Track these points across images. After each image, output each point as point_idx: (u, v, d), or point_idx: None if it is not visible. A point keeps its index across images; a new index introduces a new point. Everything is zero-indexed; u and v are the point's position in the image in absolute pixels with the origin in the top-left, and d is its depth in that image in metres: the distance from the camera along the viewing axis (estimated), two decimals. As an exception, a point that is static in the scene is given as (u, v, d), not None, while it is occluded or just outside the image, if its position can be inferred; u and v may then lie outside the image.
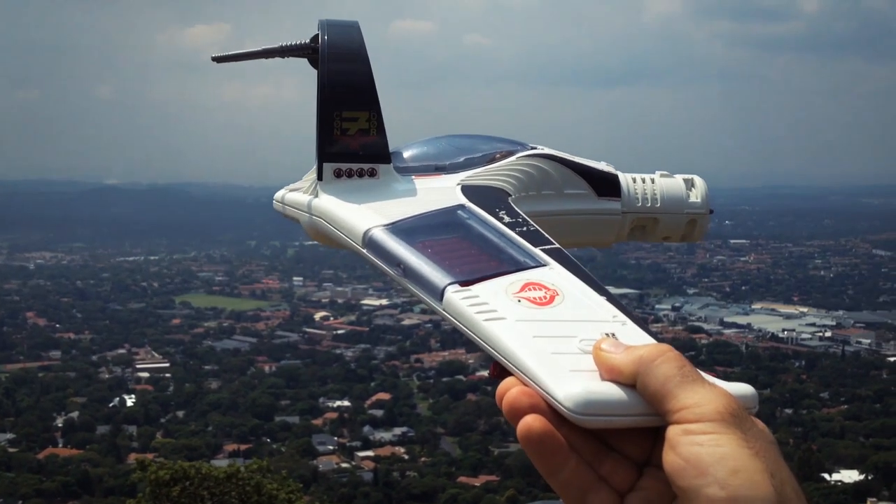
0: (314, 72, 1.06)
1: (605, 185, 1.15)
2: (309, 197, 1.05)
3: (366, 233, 0.90)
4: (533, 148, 1.13)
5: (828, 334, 59.20)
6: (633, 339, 0.72)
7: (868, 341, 56.89)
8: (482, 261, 0.82)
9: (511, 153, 1.10)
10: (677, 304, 68.17)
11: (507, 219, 0.91)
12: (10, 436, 39.00)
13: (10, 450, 36.74)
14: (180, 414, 43.34)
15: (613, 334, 0.71)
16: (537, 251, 0.84)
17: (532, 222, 0.91)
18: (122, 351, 55.20)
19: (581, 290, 0.78)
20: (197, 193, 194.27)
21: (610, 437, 0.68)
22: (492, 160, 1.08)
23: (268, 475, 11.68)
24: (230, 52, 1.16)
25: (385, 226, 0.90)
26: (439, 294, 0.78)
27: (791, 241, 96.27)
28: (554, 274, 0.80)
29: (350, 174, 1.03)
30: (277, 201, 1.15)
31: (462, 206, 0.95)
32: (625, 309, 0.77)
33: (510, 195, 1.03)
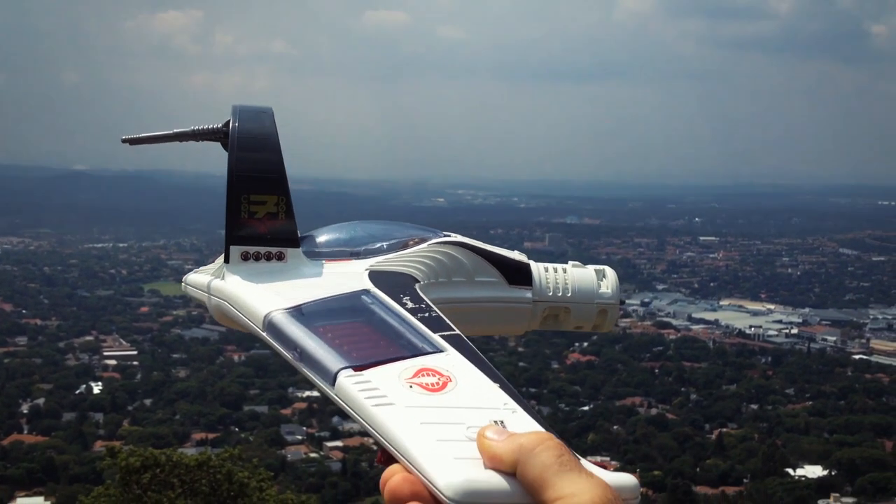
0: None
1: (517, 273, 1.15)
2: (214, 279, 1.05)
3: (266, 316, 0.89)
4: (447, 236, 1.13)
5: (794, 331, 59.92)
6: (522, 427, 0.70)
7: (833, 339, 57.62)
8: (379, 346, 0.82)
9: (424, 240, 1.10)
10: (646, 300, 68.63)
11: (410, 304, 0.91)
12: (-26, 422, 38.57)
13: (-26, 436, 36.34)
14: (148, 402, 43.02)
15: (502, 422, 0.70)
16: (436, 337, 0.84)
17: (435, 308, 0.91)
18: (89, 338, 54.66)
19: (474, 377, 0.78)
20: (166, 181, 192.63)
21: None
22: (404, 246, 1.08)
23: (239, 463, 11.64)
24: (142, 135, 1.15)
25: (286, 309, 0.89)
26: (332, 378, 0.78)
27: (759, 239, 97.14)
28: (449, 360, 0.80)
29: (257, 257, 1.02)
30: (185, 283, 1.14)
31: (366, 292, 0.95)
32: (517, 396, 0.76)
33: (418, 281, 1.03)
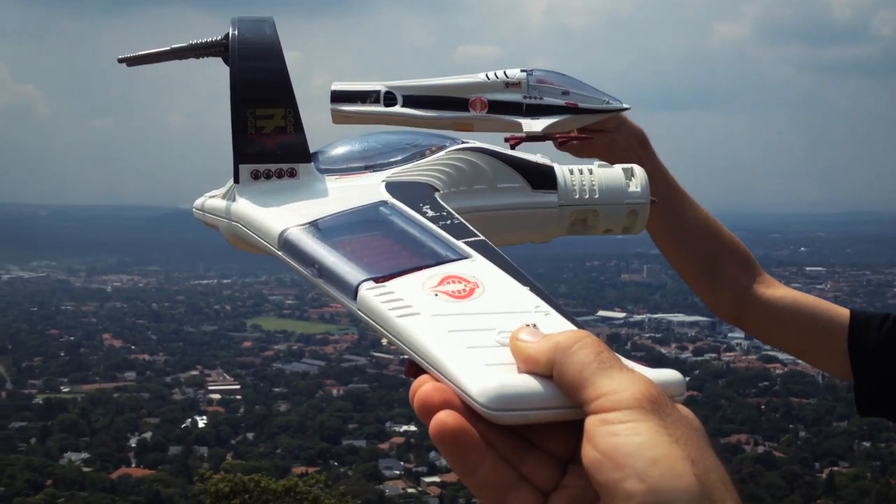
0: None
1: (541, 177, 1.10)
2: (226, 201, 1.00)
3: (281, 234, 0.85)
4: (465, 143, 1.08)
5: (908, 365, 57.46)
6: (557, 329, 0.65)
7: (951, 373, 55.08)
8: (401, 256, 0.78)
9: (442, 148, 1.05)
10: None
11: (430, 213, 0.87)
12: (84, 455, 39.80)
13: (85, 469, 37.46)
14: (250, 436, 43.75)
15: (535, 325, 0.66)
16: (460, 244, 0.80)
17: (457, 215, 0.87)
18: (194, 372, 56.00)
19: (503, 282, 0.74)
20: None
21: (532, 434, 0.62)
22: (422, 156, 1.03)
23: (325, 490, 11.67)
24: (139, 54, 1.11)
25: (301, 226, 0.85)
26: (353, 292, 0.75)
27: (869, 269, 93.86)
28: (475, 266, 0.76)
29: (268, 175, 0.97)
30: (196, 209, 1.09)
31: (384, 203, 0.90)
32: (549, 299, 0.72)
33: (438, 190, 0.97)
